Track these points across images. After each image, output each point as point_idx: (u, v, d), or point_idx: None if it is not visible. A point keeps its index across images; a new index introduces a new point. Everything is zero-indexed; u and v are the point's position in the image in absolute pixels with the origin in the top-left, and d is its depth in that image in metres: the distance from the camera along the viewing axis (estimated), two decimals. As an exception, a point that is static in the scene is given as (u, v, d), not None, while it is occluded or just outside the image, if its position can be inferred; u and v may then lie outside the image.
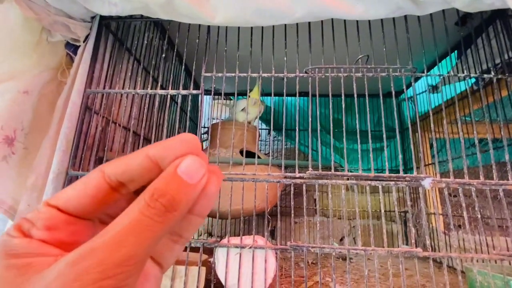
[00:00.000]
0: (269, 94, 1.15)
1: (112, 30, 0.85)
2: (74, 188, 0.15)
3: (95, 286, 0.11)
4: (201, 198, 0.14)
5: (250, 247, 0.63)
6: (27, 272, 0.12)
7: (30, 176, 0.69)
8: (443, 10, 0.70)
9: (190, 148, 0.15)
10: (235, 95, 0.78)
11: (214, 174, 0.15)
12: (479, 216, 0.62)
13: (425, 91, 1.24)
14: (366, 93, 0.70)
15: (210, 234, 1.72)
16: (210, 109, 1.78)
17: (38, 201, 0.67)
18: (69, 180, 0.70)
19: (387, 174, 0.62)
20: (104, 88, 0.79)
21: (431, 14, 0.70)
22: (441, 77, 0.74)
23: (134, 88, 0.87)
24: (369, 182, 0.63)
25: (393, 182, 0.62)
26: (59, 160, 0.69)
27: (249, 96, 1.17)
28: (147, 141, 0.97)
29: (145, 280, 0.15)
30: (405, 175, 0.61)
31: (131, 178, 0.15)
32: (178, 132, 0.78)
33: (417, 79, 0.81)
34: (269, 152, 1.85)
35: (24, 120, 0.72)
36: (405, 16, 0.73)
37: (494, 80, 0.72)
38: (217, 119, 1.74)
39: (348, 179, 0.70)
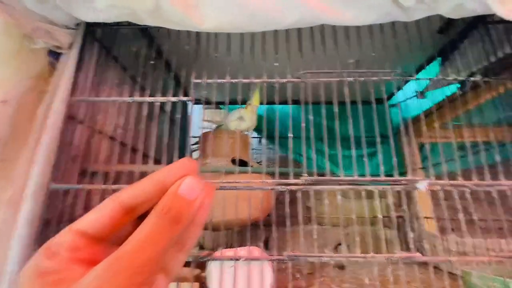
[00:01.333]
0: (261, 102, 1.15)
1: (97, 37, 0.82)
2: (93, 213, 0.17)
3: (129, 281, 0.14)
4: (198, 210, 0.17)
5: (245, 259, 0.60)
6: (62, 285, 0.14)
7: (7, 189, 0.64)
8: (428, 17, 0.71)
9: (188, 170, 0.18)
10: (227, 103, 0.77)
11: (207, 187, 0.18)
12: (474, 217, 0.62)
13: (414, 96, 1.27)
14: (359, 98, 0.70)
15: (201, 247, 1.67)
16: (200, 118, 1.76)
17: (15, 216, 0.62)
18: (51, 193, 0.66)
19: (383, 177, 0.61)
20: (89, 96, 0.76)
21: (417, 21, 0.72)
22: (430, 80, 0.75)
23: (121, 96, 0.84)
24: (365, 186, 0.62)
25: (390, 186, 0.61)
26: (40, 172, 0.64)
27: (250, 104, 1.16)
28: (134, 151, 0.93)
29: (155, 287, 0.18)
30: (401, 178, 0.61)
31: (143, 200, 0.17)
32: (167, 143, 0.75)
33: (407, 81, 0.83)
34: (260, 161, 1.83)
35: (1, 130, 0.68)
36: (393, 23, 0.74)
37: (482, 84, 0.74)
38: (206, 128, 1.71)
39: (339, 184, 0.69)
